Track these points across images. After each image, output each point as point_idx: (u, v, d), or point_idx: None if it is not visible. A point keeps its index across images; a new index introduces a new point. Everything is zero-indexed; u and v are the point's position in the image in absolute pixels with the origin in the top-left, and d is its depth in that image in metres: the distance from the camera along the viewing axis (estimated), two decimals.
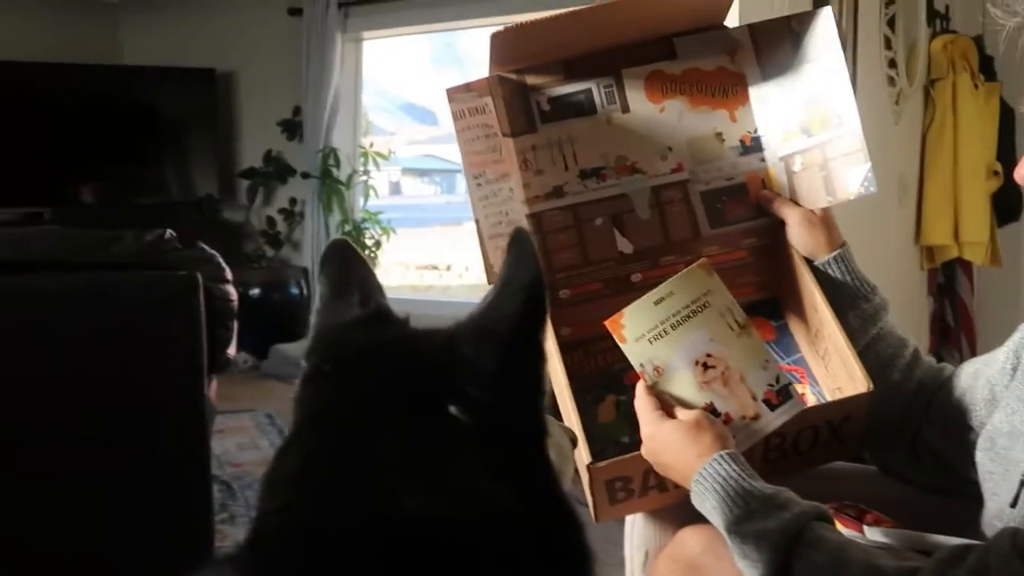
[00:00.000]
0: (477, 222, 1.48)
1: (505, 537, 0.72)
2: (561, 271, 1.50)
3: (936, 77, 3.80)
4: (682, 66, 1.52)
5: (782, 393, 1.30)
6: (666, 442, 1.21)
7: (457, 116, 1.48)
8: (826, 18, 1.47)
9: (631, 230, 1.51)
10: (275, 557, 0.70)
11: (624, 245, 1.51)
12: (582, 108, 1.51)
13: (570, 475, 0.92)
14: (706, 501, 1.14)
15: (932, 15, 3.81)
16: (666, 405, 1.26)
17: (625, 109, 1.51)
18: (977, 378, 1.35)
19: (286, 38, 5.80)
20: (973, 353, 3.83)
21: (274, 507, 0.74)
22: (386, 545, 0.68)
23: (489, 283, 1.45)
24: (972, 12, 4.03)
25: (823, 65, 1.46)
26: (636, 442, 1.48)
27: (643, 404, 1.26)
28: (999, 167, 3.86)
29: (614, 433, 1.50)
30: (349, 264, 0.90)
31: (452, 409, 0.75)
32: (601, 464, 1.29)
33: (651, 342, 1.31)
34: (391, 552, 0.68)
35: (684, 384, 1.29)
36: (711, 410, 1.28)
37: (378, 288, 0.89)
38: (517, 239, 0.79)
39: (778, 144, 1.52)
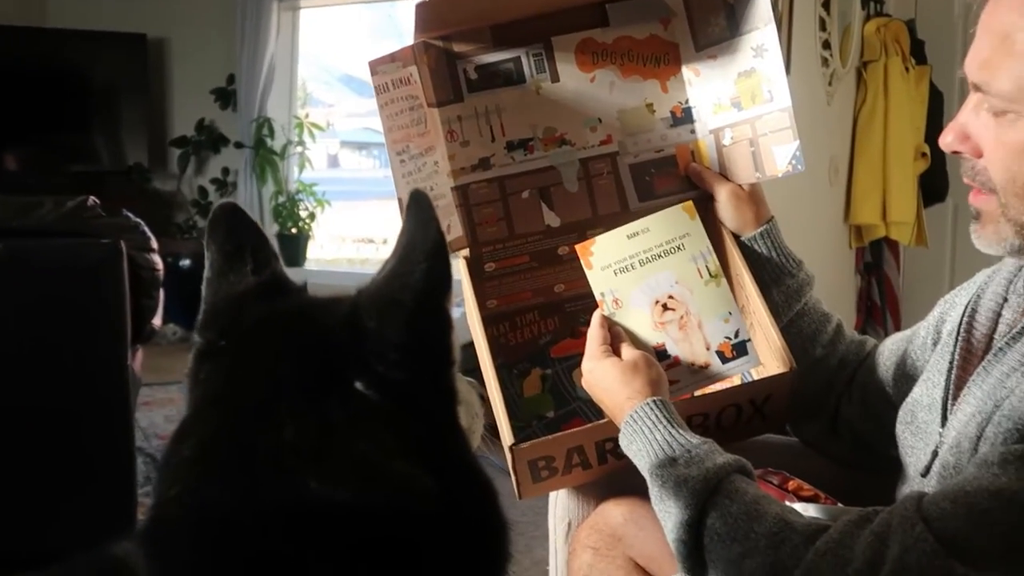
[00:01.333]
0: (400, 201, 1.44)
1: (418, 515, 0.69)
2: (487, 245, 1.48)
3: (869, 59, 3.85)
4: (614, 34, 1.49)
5: (738, 348, 1.32)
6: (602, 378, 1.23)
7: (380, 90, 1.43)
8: None
9: (558, 203, 1.49)
10: (177, 545, 0.67)
11: (551, 219, 1.49)
12: (510, 77, 1.48)
13: (480, 432, 0.90)
14: (632, 443, 1.15)
15: None
16: (617, 339, 1.28)
17: (555, 78, 1.49)
18: (898, 354, 1.36)
19: (220, 4, 5.67)
20: (898, 330, 3.90)
21: (173, 494, 0.70)
22: (293, 530, 0.66)
23: None
24: None
25: (756, 40, 1.45)
26: (560, 417, 1.48)
27: (592, 335, 1.28)
28: (927, 149, 3.93)
29: (539, 407, 1.50)
30: (240, 229, 0.84)
31: (358, 385, 0.72)
32: (524, 446, 1.27)
33: (616, 273, 1.33)
34: (298, 537, 0.66)
35: (640, 321, 1.31)
36: (661, 351, 1.30)
37: (272, 255, 0.85)
38: (415, 200, 0.76)
39: (709, 117, 1.51)
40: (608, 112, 1.50)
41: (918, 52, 4.00)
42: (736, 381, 1.46)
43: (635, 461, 1.15)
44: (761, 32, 1.45)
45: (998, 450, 0.94)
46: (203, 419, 0.75)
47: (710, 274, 1.34)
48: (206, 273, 0.83)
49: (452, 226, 1.46)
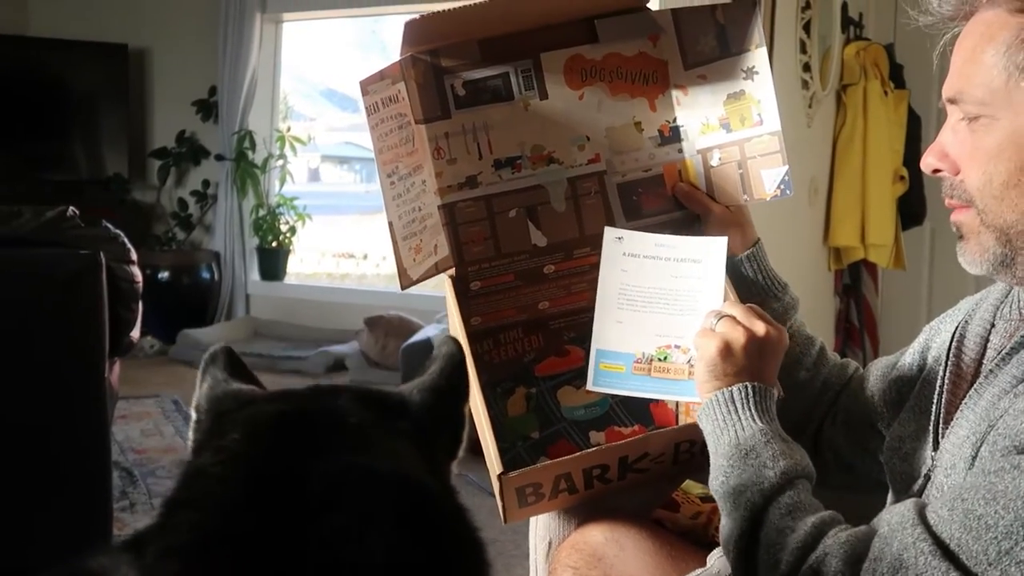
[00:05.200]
0: (390, 224, 1.42)
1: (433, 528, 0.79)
2: (472, 264, 1.46)
3: (848, 82, 3.89)
4: (603, 51, 1.48)
5: None
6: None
7: (371, 110, 1.41)
8: (752, 14, 1.45)
9: (545, 223, 1.48)
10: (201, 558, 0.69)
11: (538, 238, 1.48)
12: (498, 93, 1.46)
13: None
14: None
15: (846, 22, 3.90)
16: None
17: (543, 96, 1.47)
18: (883, 379, 1.36)
19: (203, 15, 5.67)
20: (876, 353, 3.93)
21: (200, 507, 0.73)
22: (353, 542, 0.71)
23: (403, 287, 1.42)
24: (885, 20, 4.15)
25: (747, 61, 1.45)
26: (545, 438, 1.48)
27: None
28: (905, 172, 3.97)
29: (523, 428, 1.49)
30: (234, 364, 0.93)
31: (402, 424, 0.85)
32: (513, 474, 1.25)
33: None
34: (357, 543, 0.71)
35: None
36: None
37: (262, 386, 0.93)
38: (451, 356, 0.91)
39: (696, 136, 1.50)
40: (596, 130, 1.49)
41: (897, 76, 4.05)
42: None
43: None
44: (752, 54, 1.45)
45: (997, 459, 0.96)
46: (243, 444, 0.80)
47: None
48: (207, 388, 0.90)
49: (439, 246, 1.44)
